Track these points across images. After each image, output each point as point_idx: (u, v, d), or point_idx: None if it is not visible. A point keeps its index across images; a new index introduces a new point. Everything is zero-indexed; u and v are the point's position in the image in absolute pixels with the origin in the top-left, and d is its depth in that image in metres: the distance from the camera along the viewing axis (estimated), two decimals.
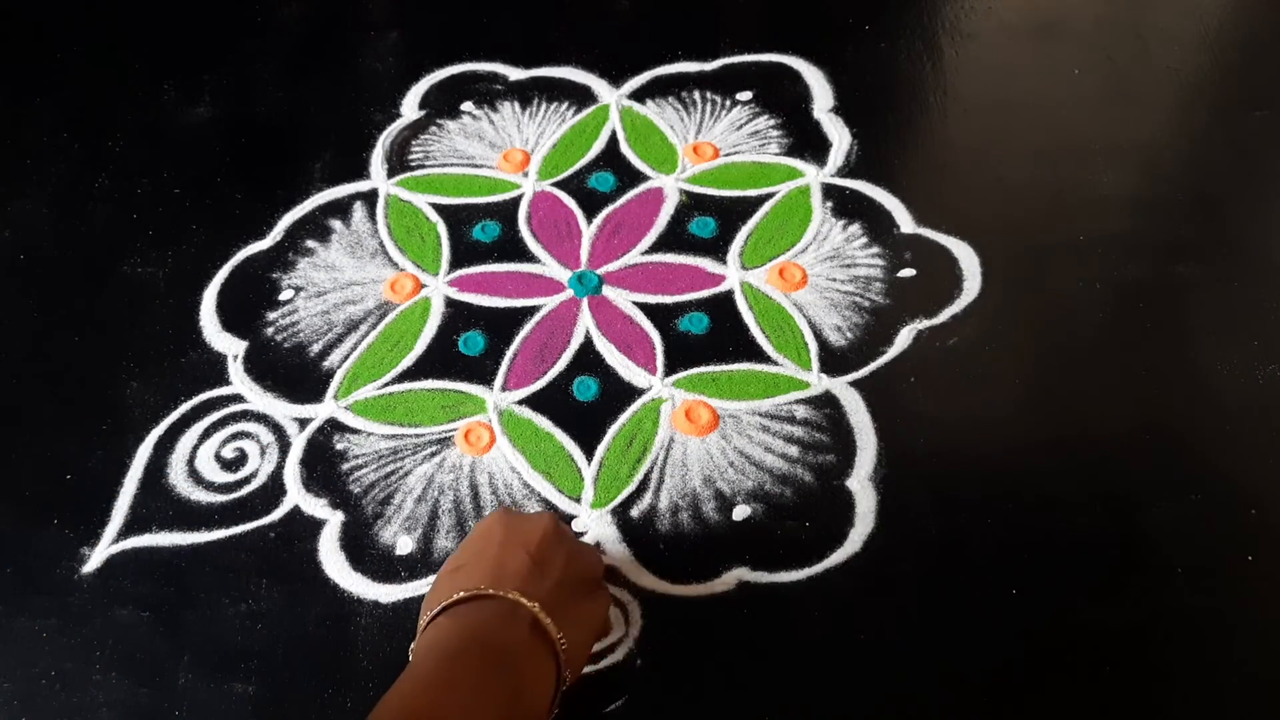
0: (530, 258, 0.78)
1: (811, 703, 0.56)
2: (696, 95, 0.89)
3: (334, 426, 0.69)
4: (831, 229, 0.79)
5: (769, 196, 0.81)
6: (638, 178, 0.83)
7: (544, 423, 0.68)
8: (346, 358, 0.73)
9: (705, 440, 0.67)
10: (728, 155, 0.84)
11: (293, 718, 0.57)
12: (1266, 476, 0.64)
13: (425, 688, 0.44)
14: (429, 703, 0.43)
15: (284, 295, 0.77)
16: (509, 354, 0.72)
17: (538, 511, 0.56)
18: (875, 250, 0.77)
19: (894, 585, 0.60)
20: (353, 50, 0.96)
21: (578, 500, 0.65)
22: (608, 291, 0.76)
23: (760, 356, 0.71)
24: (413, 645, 0.49)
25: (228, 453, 0.68)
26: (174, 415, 0.70)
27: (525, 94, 0.91)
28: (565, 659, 0.48)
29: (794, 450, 0.66)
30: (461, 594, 0.48)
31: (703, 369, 0.71)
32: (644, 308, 0.75)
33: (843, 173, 0.83)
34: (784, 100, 0.88)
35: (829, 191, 0.81)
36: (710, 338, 0.73)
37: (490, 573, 0.49)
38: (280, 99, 0.92)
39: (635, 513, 0.64)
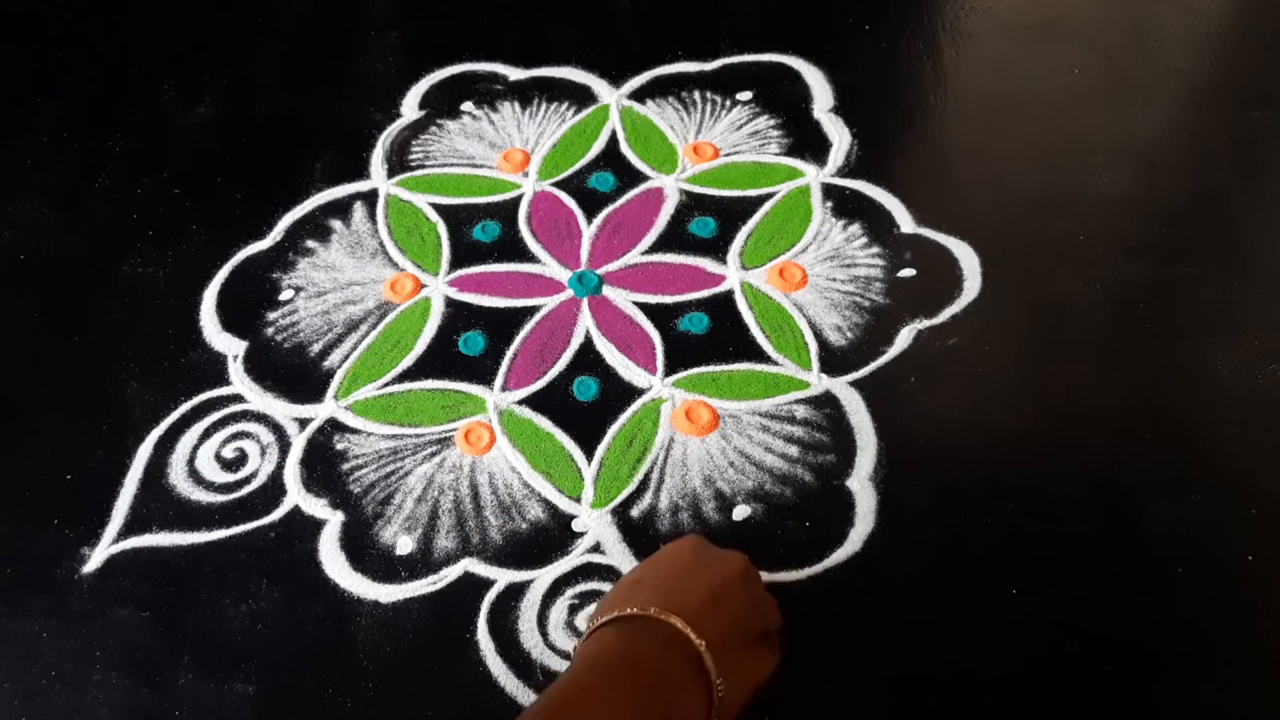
0: (530, 258, 0.79)
1: (812, 702, 0.56)
2: (696, 95, 0.89)
3: (334, 426, 0.69)
4: (831, 229, 0.79)
5: (769, 196, 0.81)
6: (638, 178, 0.83)
7: (544, 423, 0.68)
8: (346, 358, 0.73)
9: (705, 440, 0.67)
10: (728, 155, 0.84)
11: (293, 718, 0.57)
12: (1266, 476, 0.64)
13: (572, 693, 0.45)
14: (571, 708, 0.44)
15: (284, 295, 0.77)
16: (509, 354, 0.72)
17: (733, 551, 0.54)
18: (875, 250, 0.77)
19: (894, 585, 0.60)
20: (353, 50, 0.96)
21: (578, 500, 0.65)
22: (608, 291, 0.76)
23: (760, 356, 0.71)
24: (576, 645, 0.49)
25: (228, 453, 0.68)
26: (174, 415, 0.70)
27: (525, 94, 0.91)
28: (718, 704, 0.46)
29: (794, 450, 0.66)
30: (633, 610, 0.48)
31: (703, 369, 0.71)
32: (644, 308, 0.75)
33: (843, 173, 0.83)
34: (784, 100, 0.88)
35: (829, 191, 0.81)
36: (710, 338, 0.73)
37: (667, 596, 0.48)
38: (280, 99, 0.92)
39: (635, 513, 0.64)
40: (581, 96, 0.90)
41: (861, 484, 0.65)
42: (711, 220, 0.80)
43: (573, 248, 0.79)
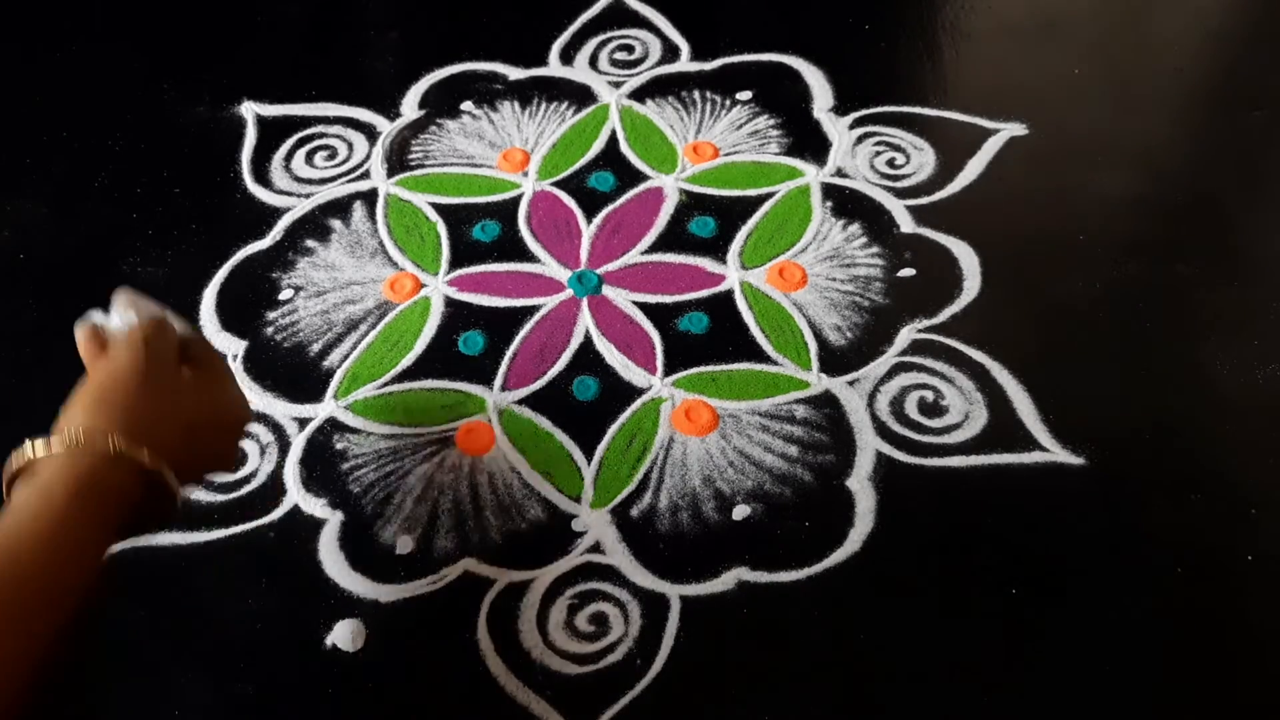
0: (530, 257, 0.78)
1: (812, 702, 0.56)
2: (696, 95, 0.89)
3: (334, 426, 0.69)
4: (831, 229, 0.79)
5: (769, 196, 0.81)
6: (637, 177, 0.83)
7: (544, 422, 0.68)
8: (346, 357, 0.73)
9: (705, 440, 0.67)
10: (727, 155, 0.84)
11: (292, 718, 0.57)
12: (1266, 476, 0.64)
13: (23, 532, 0.44)
14: (18, 554, 0.43)
15: (284, 295, 0.77)
16: (509, 353, 0.72)
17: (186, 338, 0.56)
18: (875, 250, 0.77)
19: (894, 585, 0.60)
20: (353, 50, 0.96)
21: (578, 500, 0.65)
22: (607, 291, 0.76)
23: (760, 356, 0.71)
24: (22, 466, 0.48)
25: None
26: None
27: (525, 94, 0.91)
28: (179, 499, 0.49)
29: (794, 450, 0.66)
30: (76, 432, 0.48)
31: (702, 369, 0.71)
32: (644, 307, 0.75)
33: (843, 172, 0.83)
34: (784, 100, 0.88)
35: (829, 191, 0.81)
36: (710, 337, 0.73)
37: (114, 412, 0.49)
38: (280, 99, 0.92)
39: (635, 512, 0.64)
40: (581, 96, 0.90)
41: (861, 484, 0.64)
42: (711, 220, 0.80)
43: (572, 247, 0.79)
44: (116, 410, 0.49)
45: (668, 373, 0.71)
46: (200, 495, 0.66)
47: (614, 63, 0.93)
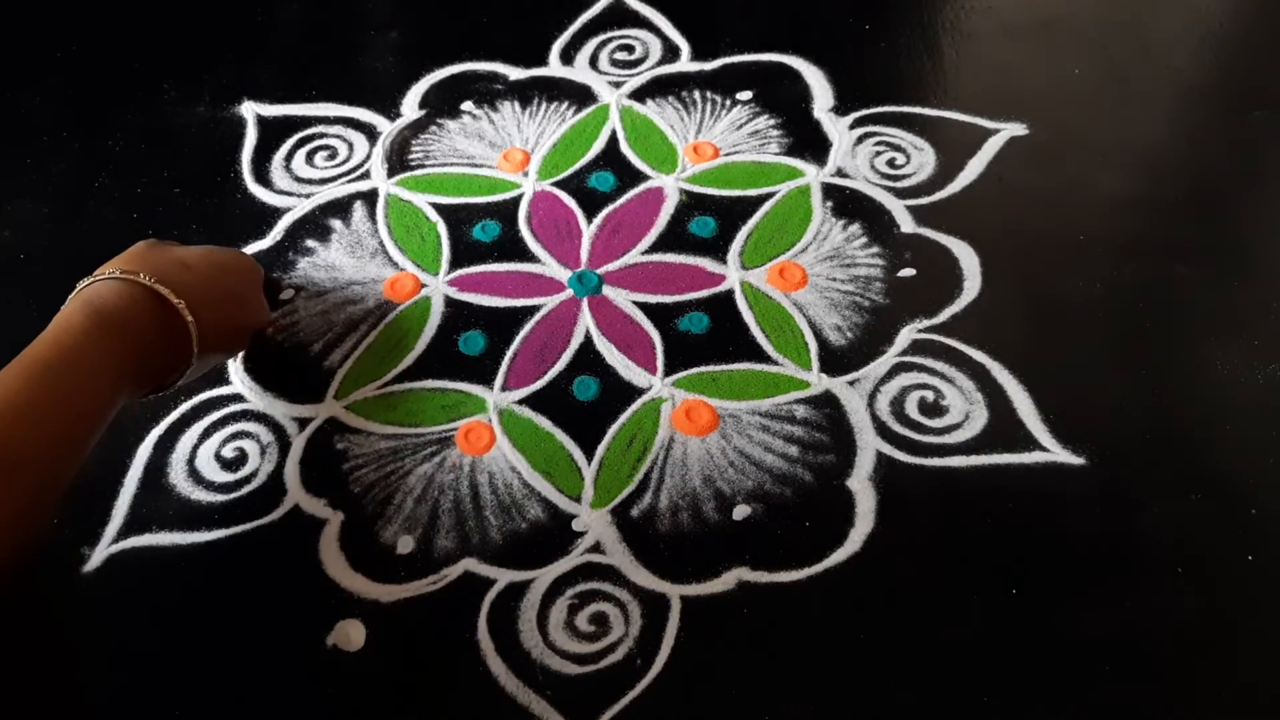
0: (530, 257, 0.79)
1: (812, 703, 0.56)
2: (696, 95, 0.89)
3: (334, 426, 0.69)
4: (831, 229, 0.79)
5: (769, 196, 0.81)
6: (638, 177, 0.83)
7: (544, 422, 0.68)
8: (346, 358, 0.73)
9: (705, 440, 0.67)
10: (728, 155, 0.85)
11: (293, 718, 0.57)
12: (1266, 476, 0.64)
13: (53, 353, 0.53)
14: (53, 367, 0.52)
15: (284, 295, 0.77)
16: (509, 354, 0.72)
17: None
18: (875, 250, 0.77)
19: (894, 585, 0.60)
20: (353, 50, 0.96)
21: (578, 500, 0.65)
22: (608, 291, 0.76)
23: (760, 356, 0.71)
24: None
25: (228, 452, 0.68)
26: (174, 415, 0.70)
27: (525, 94, 0.91)
28: (198, 330, 0.58)
29: (794, 450, 0.66)
30: (102, 275, 0.58)
31: (703, 369, 0.71)
32: (644, 307, 0.75)
33: (843, 172, 0.83)
34: (784, 100, 0.88)
35: (829, 191, 0.81)
36: (710, 337, 0.73)
37: (131, 263, 0.59)
38: (280, 99, 0.92)
39: (635, 512, 0.64)
40: (581, 96, 0.90)
41: (861, 484, 0.65)
42: (711, 220, 0.80)
43: (573, 247, 0.79)
44: (120, 261, 0.60)
45: (668, 373, 0.71)
46: (201, 495, 0.66)
47: (614, 63, 0.93)
